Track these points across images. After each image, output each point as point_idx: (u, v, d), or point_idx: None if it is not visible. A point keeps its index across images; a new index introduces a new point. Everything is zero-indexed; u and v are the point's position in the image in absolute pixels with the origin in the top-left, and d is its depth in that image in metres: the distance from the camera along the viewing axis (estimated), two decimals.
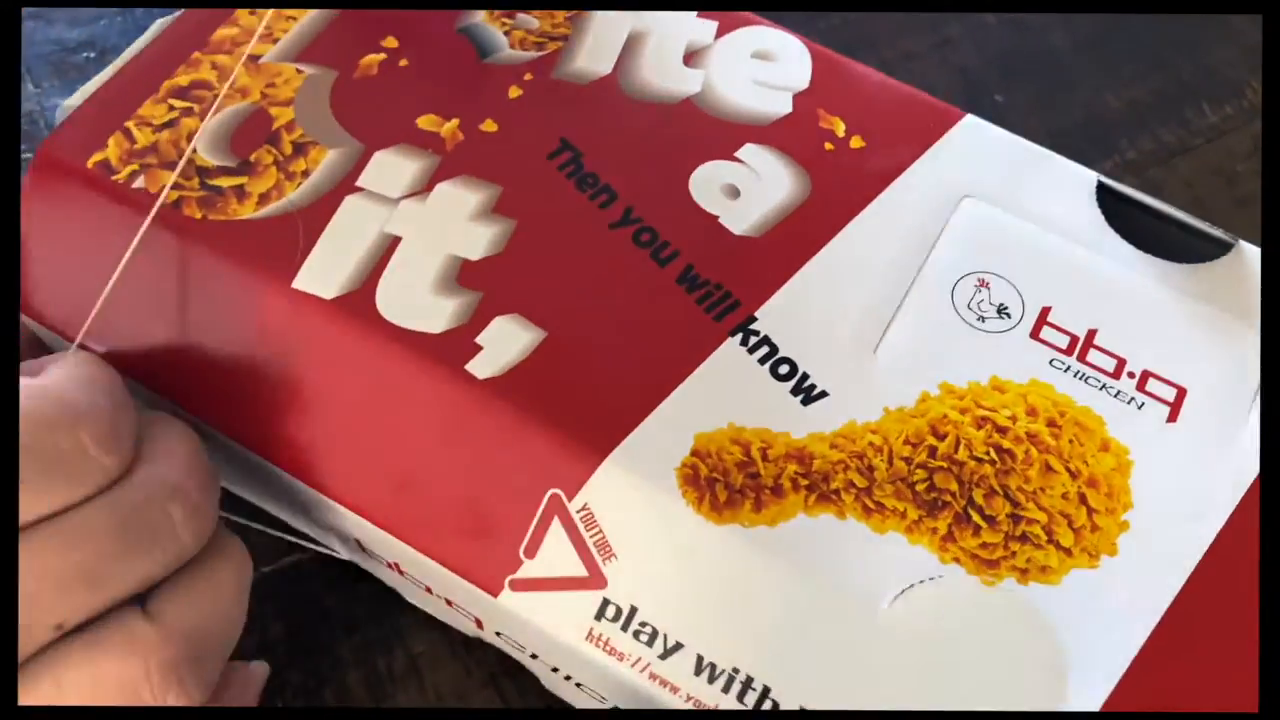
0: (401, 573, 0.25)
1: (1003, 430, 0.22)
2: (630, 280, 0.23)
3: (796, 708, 0.21)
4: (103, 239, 0.24)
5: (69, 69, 0.37)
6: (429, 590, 0.25)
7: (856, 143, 0.26)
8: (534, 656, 0.24)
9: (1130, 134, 0.36)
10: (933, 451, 0.22)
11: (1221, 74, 0.37)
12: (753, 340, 0.23)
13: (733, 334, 0.23)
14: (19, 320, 0.24)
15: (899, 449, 0.22)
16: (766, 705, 0.21)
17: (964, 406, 0.22)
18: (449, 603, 0.25)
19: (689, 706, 0.21)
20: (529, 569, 0.22)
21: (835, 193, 0.25)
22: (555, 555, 0.22)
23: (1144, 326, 0.24)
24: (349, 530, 0.24)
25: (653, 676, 0.21)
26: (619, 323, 0.23)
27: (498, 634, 0.25)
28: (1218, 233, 0.25)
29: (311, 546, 0.28)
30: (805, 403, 0.22)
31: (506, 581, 0.22)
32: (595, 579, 0.21)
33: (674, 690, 0.21)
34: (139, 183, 0.24)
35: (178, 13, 0.27)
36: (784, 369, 0.23)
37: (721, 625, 0.21)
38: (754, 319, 0.23)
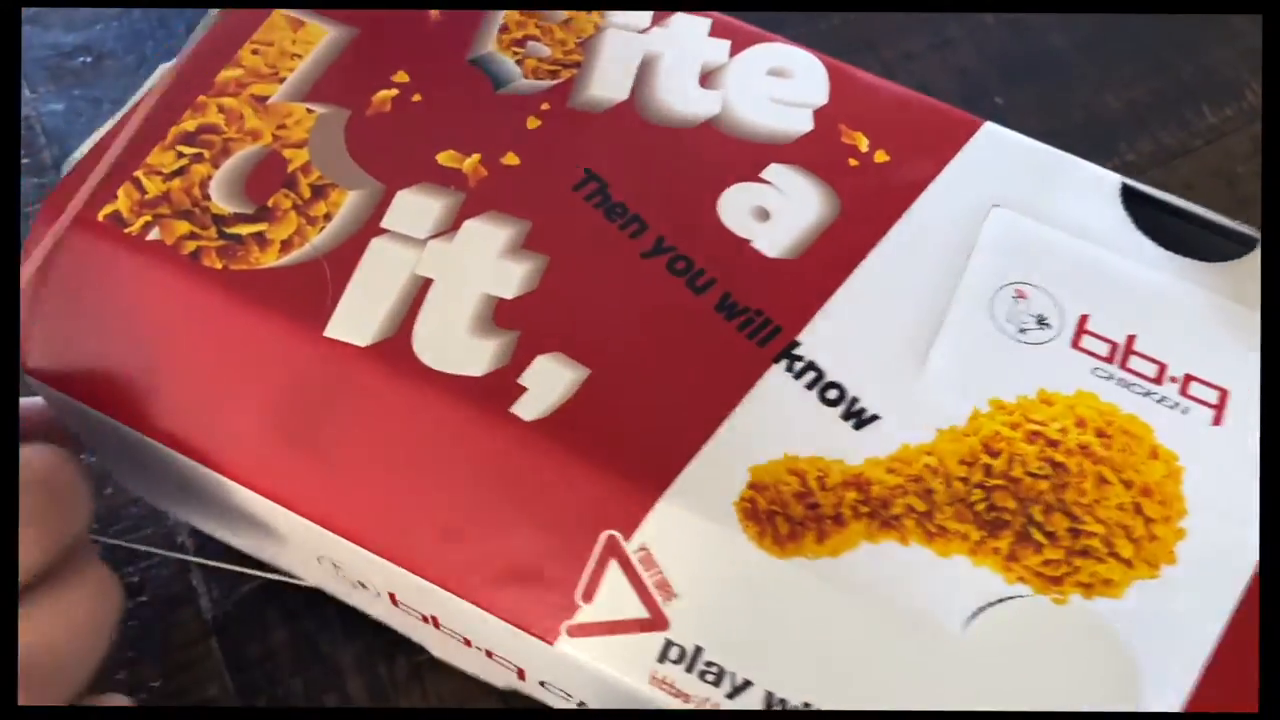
0: (438, 626, 0.24)
1: (1054, 444, 0.22)
2: (668, 311, 0.23)
3: None
4: (119, 294, 0.23)
5: (65, 74, 0.36)
6: (467, 643, 0.24)
7: (880, 157, 0.25)
8: (581, 704, 0.24)
9: (1130, 136, 0.36)
10: (988, 470, 0.22)
11: (1221, 75, 0.37)
12: (798, 366, 0.22)
13: (777, 360, 0.22)
14: (19, 339, 0.23)
15: (955, 470, 0.22)
16: None
17: (1014, 422, 0.22)
18: (489, 654, 0.24)
19: None
20: (587, 614, 0.21)
21: (865, 210, 0.25)
22: (614, 598, 0.21)
23: (1180, 328, 0.24)
24: (380, 585, 0.24)
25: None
26: (661, 355, 0.22)
27: (542, 684, 0.24)
28: (1244, 229, 0.25)
29: (330, 592, 0.27)
30: (857, 427, 0.22)
31: (563, 628, 0.21)
32: (657, 620, 0.21)
33: None
34: (153, 234, 0.23)
35: (177, 60, 0.26)
36: (832, 394, 0.22)
37: (790, 661, 0.21)
38: (797, 344, 0.23)
